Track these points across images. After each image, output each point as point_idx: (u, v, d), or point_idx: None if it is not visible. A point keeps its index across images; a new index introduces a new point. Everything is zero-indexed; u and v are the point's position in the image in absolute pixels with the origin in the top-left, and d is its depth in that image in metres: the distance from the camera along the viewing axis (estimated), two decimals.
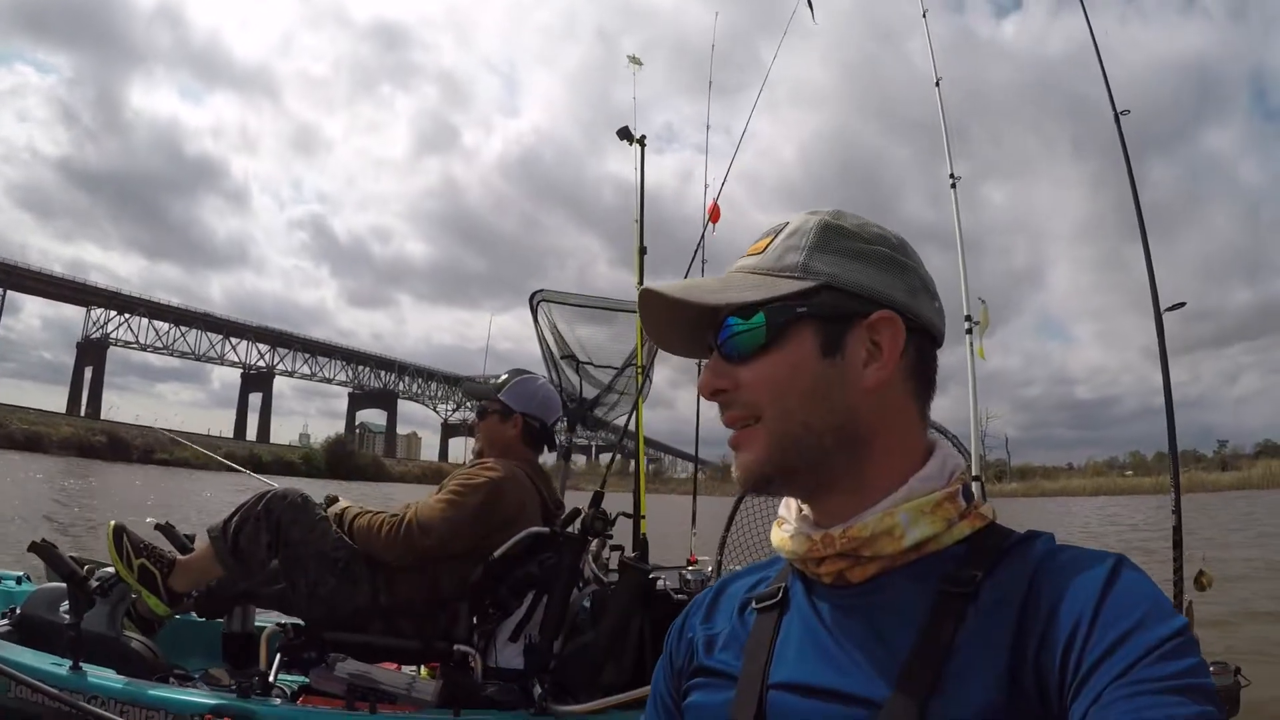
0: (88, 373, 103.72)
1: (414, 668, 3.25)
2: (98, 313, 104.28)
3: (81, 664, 2.75)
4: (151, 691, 2.71)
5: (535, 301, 4.81)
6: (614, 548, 3.52)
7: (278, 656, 2.96)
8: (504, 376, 3.53)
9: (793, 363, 0.82)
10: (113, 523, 3.09)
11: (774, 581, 0.92)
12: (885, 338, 0.82)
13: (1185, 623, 0.63)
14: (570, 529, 3.16)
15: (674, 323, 0.89)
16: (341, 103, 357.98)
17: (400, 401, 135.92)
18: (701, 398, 0.88)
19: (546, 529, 3.15)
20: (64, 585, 3.01)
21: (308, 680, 2.98)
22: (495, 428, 3.41)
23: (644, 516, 4.22)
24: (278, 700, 2.81)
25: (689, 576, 3.43)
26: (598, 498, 3.23)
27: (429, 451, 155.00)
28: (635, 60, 6.51)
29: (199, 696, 2.73)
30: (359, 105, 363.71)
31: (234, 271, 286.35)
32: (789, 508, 0.91)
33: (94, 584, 3.03)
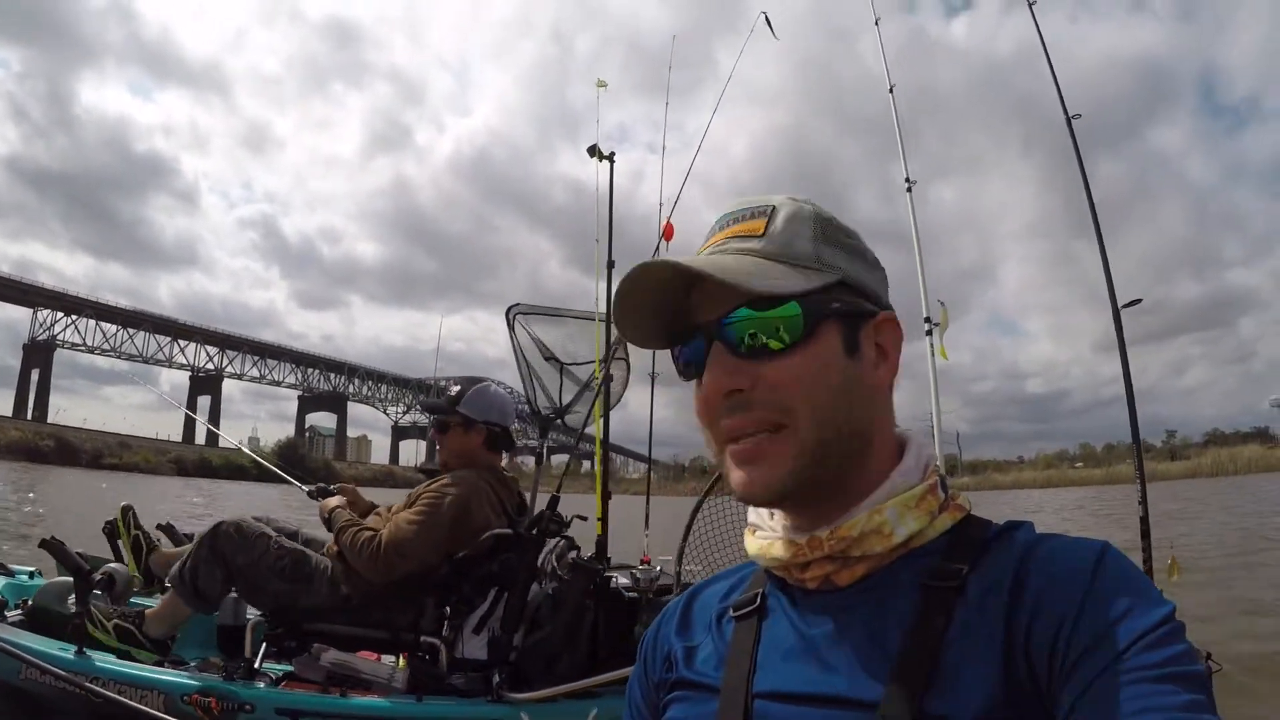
0: (34, 375, 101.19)
1: (394, 659, 3.47)
2: (44, 314, 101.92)
3: (85, 650, 3.02)
4: (147, 674, 3.00)
5: (512, 316, 4.98)
6: (570, 547, 3.70)
7: (263, 645, 3.26)
8: (456, 387, 3.71)
9: (825, 361, 0.77)
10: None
11: (749, 587, 0.89)
12: (889, 339, 0.82)
13: (1173, 608, 0.64)
14: (534, 531, 3.40)
15: (644, 306, 0.83)
16: (293, 100, 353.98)
17: (350, 404, 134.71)
18: (706, 402, 0.80)
19: (509, 530, 3.43)
20: (70, 580, 3.27)
21: (292, 669, 3.22)
22: (459, 439, 3.62)
23: (601, 519, 4.43)
24: (261, 684, 3.09)
25: (639, 575, 3.66)
26: (554, 501, 3.51)
27: (379, 454, 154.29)
28: (602, 83, 6.74)
29: (188, 679, 3.02)
30: (310, 103, 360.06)
31: (183, 273, 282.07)
32: (759, 513, 0.88)
33: (97, 578, 3.30)
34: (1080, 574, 0.67)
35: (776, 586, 0.85)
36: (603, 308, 5.21)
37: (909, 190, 5.29)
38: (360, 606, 3.29)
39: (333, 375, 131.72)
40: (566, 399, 4.86)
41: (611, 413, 5.12)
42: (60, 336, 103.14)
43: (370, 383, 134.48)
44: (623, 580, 3.57)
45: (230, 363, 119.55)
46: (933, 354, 4.81)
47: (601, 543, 3.96)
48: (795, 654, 0.78)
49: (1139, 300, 3.93)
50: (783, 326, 0.76)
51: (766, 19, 5.50)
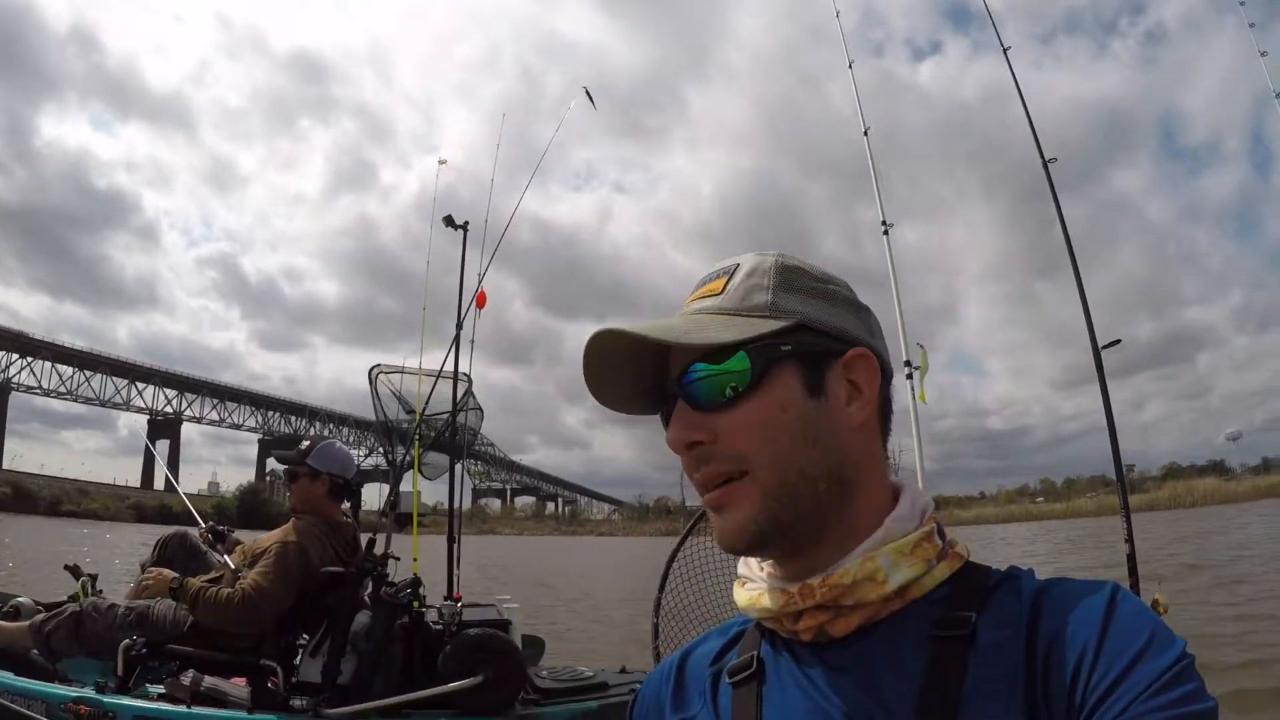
0: None
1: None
2: None
3: None
4: (34, 687, 3.74)
5: (374, 374, 5.73)
6: (405, 585, 4.32)
7: (137, 669, 3.93)
8: (306, 442, 4.43)
9: (782, 404, 0.76)
10: None
11: (744, 648, 0.86)
12: (862, 376, 0.80)
13: (1183, 645, 0.64)
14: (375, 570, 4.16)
15: (614, 372, 0.84)
16: (258, 136, 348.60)
17: None
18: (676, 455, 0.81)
19: (340, 569, 4.11)
20: None
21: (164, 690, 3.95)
22: (306, 487, 4.30)
23: (416, 559, 5.19)
24: (128, 700, 3.76)
25: (444, 611, 4.42)
26: (370, 544, 4.24)
27: None
28: (442, 161, 7.53)
29: (65, 690, 3.75)
30: (276, 139, 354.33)
31: (141, 313, 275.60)
32: (748, 565, 0.86)
33: (7, 609, 4.10)
34: (1094, 618, 0.67)
35: (771, 644, 0.83)
36: (450, 367, 5.92)
37: (886, 233, 5.26)
38: (206, 632, 3.93)
39: (293, 418, 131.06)
40: (425, 444, 5.61)
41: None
42: (15, 379, 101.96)
43: (332, 425, 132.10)
44: (431, 615, 4.25)
45: (189, 405, 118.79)
46: (913, 398, 4.84)
47: (416, 579, 4.57)
48: (802, 716, 0.76)
49: (1118, 341, 4.04)
50: (733, 376, 0.76)
51: (588, 93, 6.18)
